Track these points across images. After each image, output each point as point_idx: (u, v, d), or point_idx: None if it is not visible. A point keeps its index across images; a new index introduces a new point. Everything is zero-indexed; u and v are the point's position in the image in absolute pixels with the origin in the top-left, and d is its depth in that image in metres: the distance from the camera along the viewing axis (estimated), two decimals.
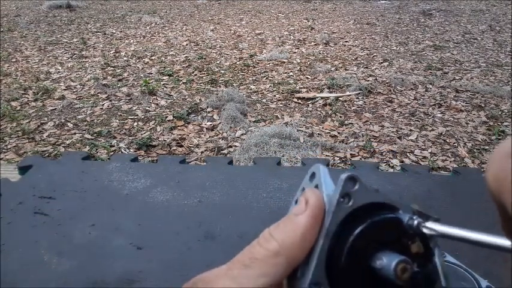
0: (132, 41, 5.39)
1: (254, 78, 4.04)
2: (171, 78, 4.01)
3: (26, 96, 3.57)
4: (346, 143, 2.80)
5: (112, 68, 4.29)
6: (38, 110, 3.32)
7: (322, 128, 3.02)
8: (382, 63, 4.44)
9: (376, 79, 3.94)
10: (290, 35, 5.70)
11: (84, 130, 2.99)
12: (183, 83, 3.89)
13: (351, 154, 2.65)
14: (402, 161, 2.58)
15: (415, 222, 0.25)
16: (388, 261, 0.24)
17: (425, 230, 0.25)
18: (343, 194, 0.25)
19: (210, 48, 5.04)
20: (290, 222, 0.25)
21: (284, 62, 4.50)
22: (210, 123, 3.09)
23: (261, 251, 0.24)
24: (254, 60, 4.56)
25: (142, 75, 4.09)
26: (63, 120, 3.12)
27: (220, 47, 5.10)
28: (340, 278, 0.24)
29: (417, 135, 2.90)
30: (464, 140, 2.85)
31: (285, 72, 4.18)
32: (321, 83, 3.87)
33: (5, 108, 3.26)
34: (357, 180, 0.25)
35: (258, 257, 0.24)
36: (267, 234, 0.25)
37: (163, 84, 3.86)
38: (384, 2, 8.05)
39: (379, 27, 6.04)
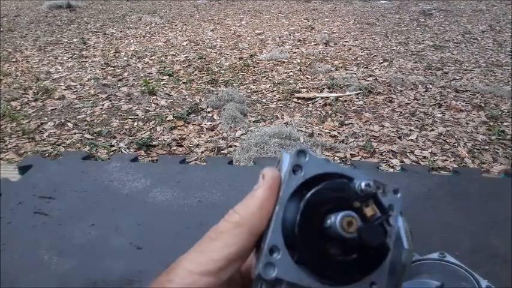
0: (132, 41, 5.39)
1: (254, 78, 4.04)
2: (171, 78, 4.01)
3: (26, 96, 3.57)
4: (346, 143, 2.80)
5: (112, 68, 4.29)
6: (38, 110, 3.32)
7: (322, 128, 3.02)
8: (382, 63, 4.44)
9: (376, 79, 3.94)
10: (290, 35, 5.70)
11: (84, 130, 2.99)
12: (183, 83, 3.89)
13: (351, 154, 2.65)
14: (402, 161, 2.58)
15: (363, 184, 0.26)
16: (334, 218, 0.25)
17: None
18: (294, 165, 0.27)
19: (210, 48, 5.04)
20: (250, 197, 0.27)
21: (284, 62, 4.50)
22: (210, 123, 3.09)
23: (225, 224, 0.26)
24: (254, 60, 4.56)
25: (142, 75, 4.09)
26: (63, 120, 3.12)
27: (220, 47, 5.10)
28: (296, 241, 0.26)
29: (417, 135, 2.90)
30: (464, 140, 2.85)
31: (285, 72, 4.18)
32: (321, 83, 3.87)
33: (5, 108, 3.26)
34: (307, 153, 0.28)
35: (222, 230, 0.26)
36: (231, 211, 0.27)
37: (163, 84, 3.86)
38: (384, 2, 8.04)
39: (379, 27, 6.04)
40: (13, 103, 3.41)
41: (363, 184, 0.26)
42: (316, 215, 0.26)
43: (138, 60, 4.57)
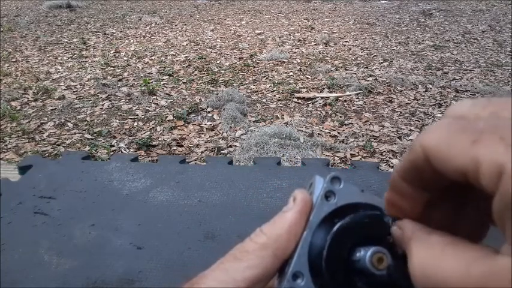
0: (132, 41, 5.39)
1: (254, 78, 4.04)
2: (171, 78, 4.01)
3: (26, 96, 3.57)
4: (346, 143, 2.80)
5: (112, 68, 4.29)
6: (38, 110, 3.32)
7: (322, 128, 3.02)
8: (382, 63, 4.44)
9: (376, 79, 3.94)
10: (290, 35, 5.70)
11: (84, 130, 2.99)
12: (183, 83, 3.89)
13: (351, 154, 2.65)
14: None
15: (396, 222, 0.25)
16: (364, 252, 0.24)
17: None
18: (327, 191, 0.26)
19: (210, 48, 5.04)
20: (279, 218, 0.26)
21: (284, 62, 4.50)
22: (210, 123, 3.09)
23: (250, 245, 0.26)
24: (254, 60, 4.56)
25: (142, 75, 4.09)
26: (63, 120, 3.12)
27: (220, 47, 5.10)
28: (322, 269, 0.25)
29: (417, 135, 2.90)
30: None
31: (285, 72, 4.18)
32: (321, 83, 3.87)
33: (5, 108, 3.26)
34: (341, 180, 0.27)
35: (248, 250, 0.26)
36: (258, 230, 0.27)
37: (163, 84, 3.86)
38: (384, 2, 8.05)
39: (379, 27, 6.04)
40: (13, 103, 3.41)
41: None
42: (345, 246, 0.25)
43: (138, 60, 4.57)
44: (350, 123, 3.08)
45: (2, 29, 5.84)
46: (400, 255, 0.25)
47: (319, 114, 3.24)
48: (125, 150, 2.72)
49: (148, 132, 2.94)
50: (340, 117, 3.18)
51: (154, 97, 3.54)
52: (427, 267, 0.19)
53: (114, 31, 5.90)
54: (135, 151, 2.70)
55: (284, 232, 0.26)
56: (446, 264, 0.18)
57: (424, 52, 4.83)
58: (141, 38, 5.51)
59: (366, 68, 4.30)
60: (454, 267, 0.17)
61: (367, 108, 3.34)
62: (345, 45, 5.13)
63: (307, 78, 4.04)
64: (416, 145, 0.20)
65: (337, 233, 0.25)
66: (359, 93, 3.58)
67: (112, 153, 2.65)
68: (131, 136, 2.91)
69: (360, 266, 0.25)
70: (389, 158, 2.63)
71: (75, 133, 2.95)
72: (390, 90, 3.68)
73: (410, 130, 2.98)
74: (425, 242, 0.20)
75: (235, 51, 4.92)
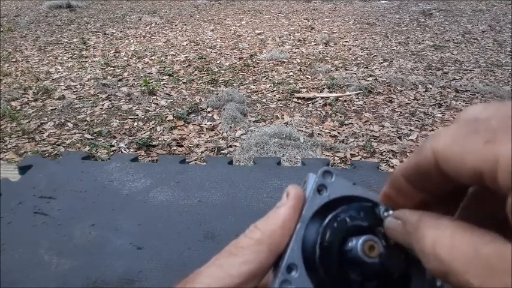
0: (132, 41, 5.39)
1: (254, 78, 4.04)
2: (171, 78, 4.01)
3: (26, 96, 3.57)
4: (346, 143, 2.80)
5: (112, 68, 4.29)
6: (38, 110, 3.32)
7: (322, 128, 3.02)
8: (382, 63, 4.44)
9: (376, 79, 3.94)
10: (290, 35, 5.70)
11: (84, 130, 2.99)
12: (183, 83, 3.89)
13: (351, 154, 2.65)
14: (402, 161, 2.57)
15: (390, 211, 0.25)
16: (356, 241, 0.25)
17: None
18: (319, 185, 0.27)
19: (210, 48, 5.04)
20: (272, 214, 0.27)
21: (284, 62, 4.50)
22: (210, 123, 3.09)
23: (245, 240, 0.26)
24: (254, 60, 4.56)
25: (142, 75, 4.09)
26: (63, 120, 3.12)
27: (220, 47, 5.10)
28: (315, 261, 0.25)
29: (417, 135, 2.90)
30: None
31: (285, 72, 4.18)
32: (321, 83, 3.87)
33: (5, 108, 3.26)
34: (333, 174, 0.27)
35: (243, 246, 0.26)
36: (253, 226, 0.27)
37: (163, 84, 3.86)
38: (384, 2, 8.04)
39: (379, 27, 6.04)
40: (13, 103, 3.41)
41: (390, 211, 0.25)
42: (337, 237, 0.26)
43: (138, 60, 4.57)
44: (350, 123, 3.08)
45: (2, 29, 5.84)
46: (391, 243, 0.25)
47: (319, 114, 3.24)
48: (125, 150, 2.72)
49: (148, 132, 2.94)
50: (340, 117, 3.18)
51: (154, 97, 3.54)
52: (438, 248, 0.19)
53: (114, 31, 5.90)
54: (135, 151, 2.70)
55: (278, 227, 0.26)
56: (456, 244, 0.18)
57: (424, 52, 4.83)
58: (141, 38, 5.51)
59: (366, 68, 4.30)
60: (464, 247, 0.18)
61: (367, 108, 3.34)
62: (345, 45, 5.13)
63: (307, 78, 4.04)
64: (427, 149, 0.20)
65: (329, 224, 0.26)
66: (359, 93, 3.58)
67: (112, 153, 2.65)
68: (131, 136, 2.91)
69: (352, 255, 0.25)
70: (389, 158, 2.63)
71: (75, 133, 2.95)
72: (390, 90, 3.68)
73: (411, 130, 2.98)
74: (436, 225, 0.20)
75: (235, 51, 4.92)
